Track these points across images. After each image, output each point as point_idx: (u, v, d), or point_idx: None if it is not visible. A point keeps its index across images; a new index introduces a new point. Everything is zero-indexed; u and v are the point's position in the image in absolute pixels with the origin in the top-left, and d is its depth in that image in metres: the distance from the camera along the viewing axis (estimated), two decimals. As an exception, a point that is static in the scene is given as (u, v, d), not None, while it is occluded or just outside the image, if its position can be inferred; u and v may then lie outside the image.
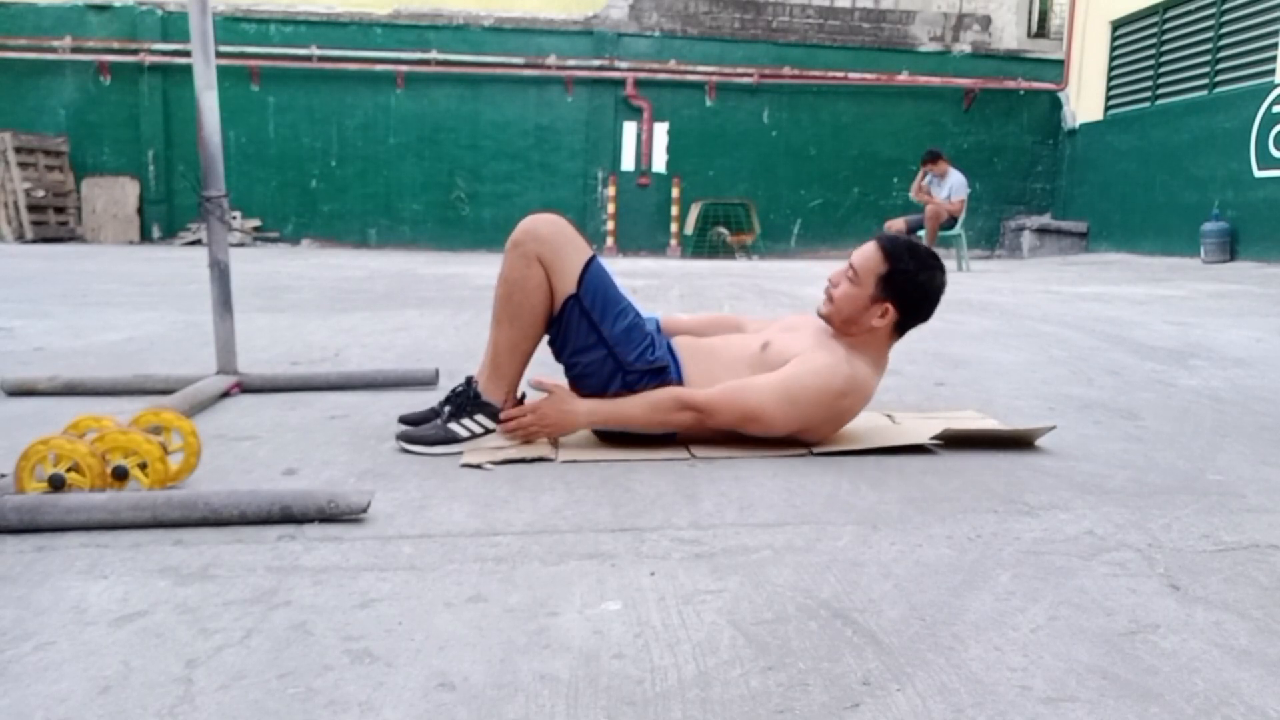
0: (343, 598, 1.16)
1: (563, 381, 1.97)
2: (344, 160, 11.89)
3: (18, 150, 10.61)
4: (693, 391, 1.87)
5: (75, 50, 11.27)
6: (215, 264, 2.42)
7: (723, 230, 11.80)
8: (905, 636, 1.07)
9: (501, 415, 1.92)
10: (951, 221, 8.93)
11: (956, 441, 2.00)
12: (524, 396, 1.99)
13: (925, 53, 12.57)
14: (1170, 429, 2.21)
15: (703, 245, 11.80)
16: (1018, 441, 2.02)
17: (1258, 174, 8.78)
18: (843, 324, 1.95)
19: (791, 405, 1.85)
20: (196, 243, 11.08)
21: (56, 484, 1.43)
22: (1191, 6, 9.99)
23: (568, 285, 1.87)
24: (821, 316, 1.99)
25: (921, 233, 8.84)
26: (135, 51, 11.32)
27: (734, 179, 12.35)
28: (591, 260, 1.90)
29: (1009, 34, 13.05)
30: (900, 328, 1.97)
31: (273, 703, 0.91)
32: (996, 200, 12.59)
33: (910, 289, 1.91)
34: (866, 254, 1.93)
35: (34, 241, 10.55)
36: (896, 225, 9.19)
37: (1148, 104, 10.74)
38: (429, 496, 1.59)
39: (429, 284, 6.22)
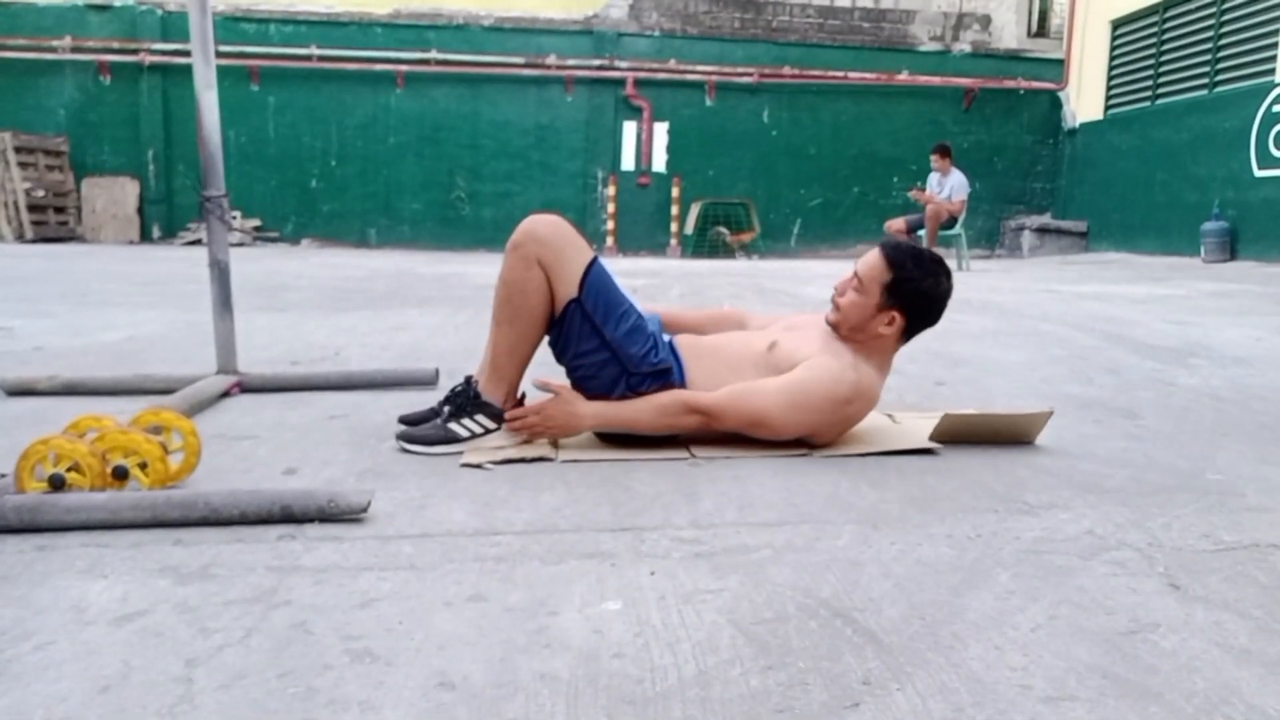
0: (343, 597, 1.16)
1: (566, 382, 1.96)
2: (344, 160, 11.89)
3: (18, 150, 10.61)
4: (699, 395, 1.87)
5: (75, 50, 11.27)
6: (215, 264, 2.42)
7: (722, 230, 11.80)
8: (905, 636, 1.07)
9: (506, 415, 1.91)
10: (952, 221, 8.92)
11: (956, 439, 2.00)
12: (524, 397, 1.99)
13: (925, 52, 12.56)
14: (1170, 428, 2.21)
15: (703, 245, 11.80)
16: (1017, 436, 2.02)
17: (1258, 173, 8.78)
18: (850, 331, 1.95)
19: (798, 411, 1.84)
20: (196, 242, 11.07)
21: (56, 484, 1.43)
22: (1191, 6, 9.99)
23: (569, 288, 1.87)
24: (830, 324, 1.99)
25: (922, 232, 8.85)
26: (135, 51, 11.32)
27: (734, 179, 12.34)
28: (593, 262, 1.89)
29: (1009, 33, 13.04)
30: (907, 333, 1.97)
31: (273, 702, 0.91)
32: (996, 200, 12.58)
33: (916, 296, 1.91)
34: (871, 262, 1.93)
35: (34, 241, 10.55)
36: (896, 225, 9.19)
37: (1148, 103, 10.74)
38: (429, 496, 1.59)
39: (429, 283, 6.22)
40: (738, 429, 1.88)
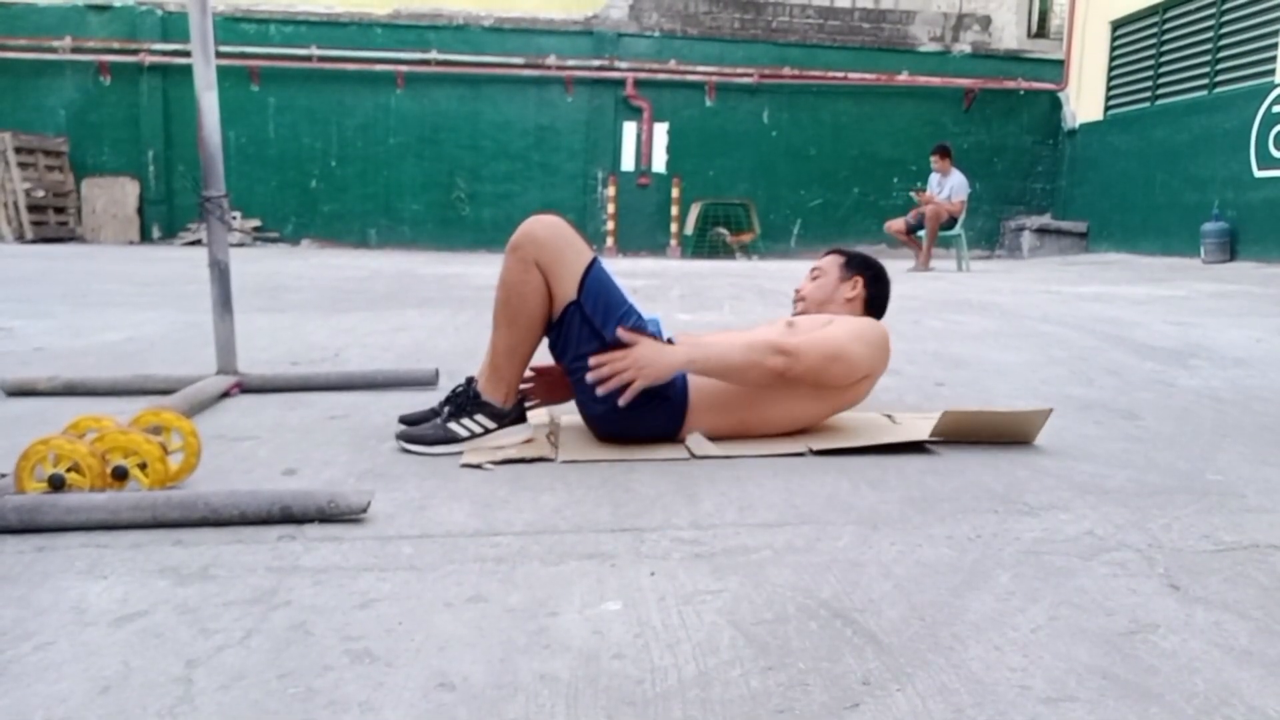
0: (343, 598, 1.16)
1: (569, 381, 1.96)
2: (344, 160, 11.89)
3: (18, 150, 10.61)
4: (785, 337, 1.94)
5: (75, 50, 11.27)
6: (215, 264, 2.42)
7: (722, 230, 11.80)
8: (905, 636, 1.07)
9: (592, 361, 1.83)
10: (951, 222, 8.93)
11: (956, 437, 2.00)
12: (523, 397, 1.99)
13: (925, 53, 12.57)
14: (1170, 429, 2.21)
15: (703, 245, 11.80)
16: (1017, 435, 2.03)
17: (1258, 174, 8.78)
18: (818, 307, 2.19)
19: (865, 345, 1.98)
20: (196, 243, 11.08)
21: (56, 484, 1.43)
22: (1191, 6, 9.99)
23: (568, 291, 1.87)
24: (796, 315, 2.19)
25: (921, 233, 8.85)
26: (135, 51, 11.32)
27: (734, 179, 12.35)
28: (593, 264, 1.89)
29: (1009, 34, 13.04)
30: (868, 303, 2.20)
31: (273, 703, 0.91)
32: (996, 200, 12.59)
33: (869, 265, 2.24)
34: (824, 259, 2.28)
35: (34, 241, 10.55)
36: (896, 225, 9.20)
37: (1148, 104, 10.74)
38: (429, 496, 1.59)
39: (429, 284, 6.22)
40: (817, 368, 1.92)
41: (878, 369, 2.04)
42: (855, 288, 2.19)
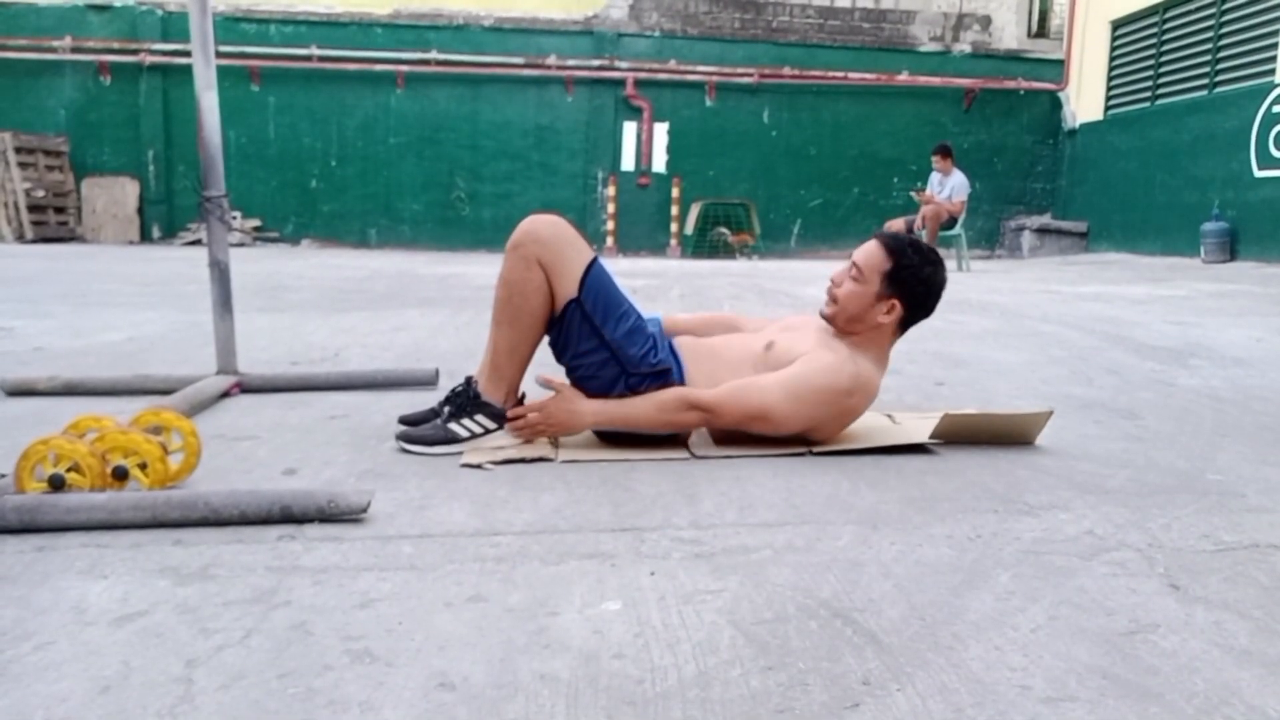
0: (343, 598, 1.16)
1: (567, 380, 1.96)
2: (344, 160, 11.89)
3: (18, 150, 10.60)
4: (699, 391, 1.87)
5: (75, 50, 11.27)
6: (215, 264, 2.42)
7: (724, 230, 11.80)
8: (905, 636, 1.07)
9: (508, 414, 1.91)
10: (952, 221, 8.93)
11: (956, 439, 2.00)
12: (524, 396, 1.99)
13: (925, 53, 12.56)
14: (1170, 429, 2.21)
15: (703, 245, 11.80)
16: (1017, 437, 2.02)
17: (1258, 174, 8.78)
18: (847, 322, 1.95)
19: (798, 404, 1.85)
20: (196, 243, 11.07)
21: (56, 484, 1.43)
22: (1191, 6, 9.99)
23: (569, 288, 1.87)
24: (825, 317, 1.99)
25: (922, 233, 8.84)
26: (135, 51, 11.32)
27: (734, 179, 12.34)
28: (593, 263, 1.89)
29: (1009, 34, 13.04)
30: (904, 324, 1.98)
31: (273, 703, 0.91)
32: (996, 200, 12.58)
33: (915, 284, 1.93)
34: (870, 251, 1.94)
35: (34, 241, 10.55)
36: (896, 225, 9.19)
37: (1148, 104, 10.74)
38: (429, 496, 1.59)
39: (429, 284, 6.22)
40: (738, 425, 1.88)
41: (847, 413, 1.91)
42: (891, 312, 1.92)
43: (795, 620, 1.12)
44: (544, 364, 2.04)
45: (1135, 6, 10.88)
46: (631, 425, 1.88)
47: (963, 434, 2.00)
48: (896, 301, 1.92)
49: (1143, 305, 5.21)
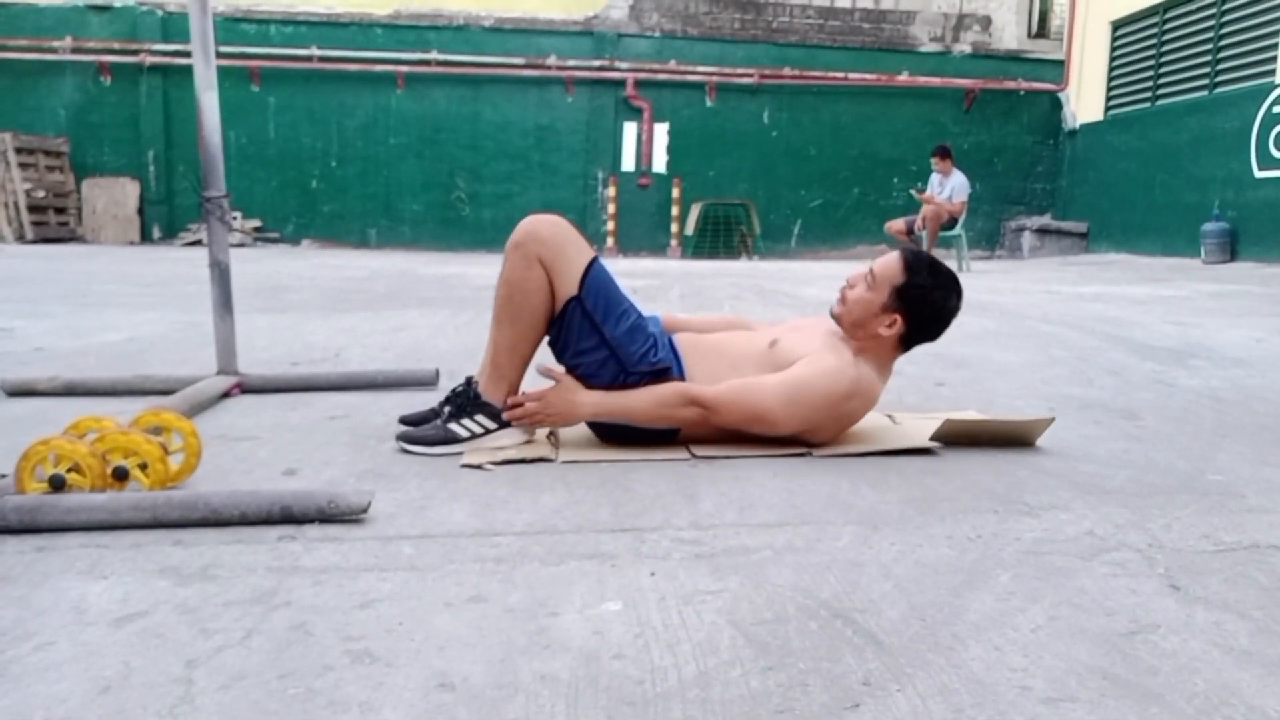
0: (343, 598, 1.16)
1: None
2: (344, 160, 11.89)
3: (18, 150, 10.61)
4: (699, 387, 1.87)
5: (75, 50, 11.27)
6: (215, 264, 2.42)
7: (743, 229, 11.82)
8: (905, 636, 1.07)
9: (507, 402, 1.90)
10: (952, 222, 8.92)
11: (957, 441, 2.00)
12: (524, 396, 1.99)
13: (925, 53, 12.57)
14: (1170, 429, 2.21)
15: (703, 245, 11.80)
16: (1018, 440, 2.02)
17: (1258, 174, 8.78)
18: (851, 326, 1.96)
19: (797, 406, 1.85)
20: (197, 243, 11.07)
21: (57, 484, 1.43)
22: (1191, 6, 9.99)
23: (569, 287, 1.87)
24: (833, 315, 2.00)
25: (923, 233, 8.84)
26: (135, 52, 11.32)
27: (734, 179, 12.34)
28: (593, 261, 1.90)
29: (1009, 34, 13.04)
30: (906, 341, 1.97)
31: (273, 703, 0.91)
32: (997, 200, 12.59)
33: (921, 305, 1.92)
34: (888, 262, 1.96)
35: (34, 242, 10.55)
36: (897, 225, 9.19)
37: (1148, 104, 10.74)
38: (429, 497, 1.59)
39: (429, 284, 6.22)
40: (736, 424, 1.88)
41: (845, 416, 1.91)
42: (892, 326, 1.92)
43: (795, 621, 1.12)
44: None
45: (1135, 7, 10.88)
46: (629, 417, 1.88)
47: (963, 438, 2.00)
48: (899, 317, 1.91)
49: (1143, 305, 5.21)
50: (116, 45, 11.35)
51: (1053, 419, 2.02)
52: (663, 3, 12.23)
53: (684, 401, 1.85)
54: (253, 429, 2.08)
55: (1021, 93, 12.55)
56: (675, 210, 12.20)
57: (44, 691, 0.93)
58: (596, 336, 1.87)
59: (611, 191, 12.18)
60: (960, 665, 1.01)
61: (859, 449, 1.93)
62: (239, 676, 0.96)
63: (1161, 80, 10.51)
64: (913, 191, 9.62)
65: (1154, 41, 10.65)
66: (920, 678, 0.98)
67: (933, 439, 1.97)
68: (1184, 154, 9.89)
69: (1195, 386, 2.77)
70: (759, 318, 2.35)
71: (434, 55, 11.69)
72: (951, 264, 9.83)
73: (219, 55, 2.44)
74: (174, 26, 11.34)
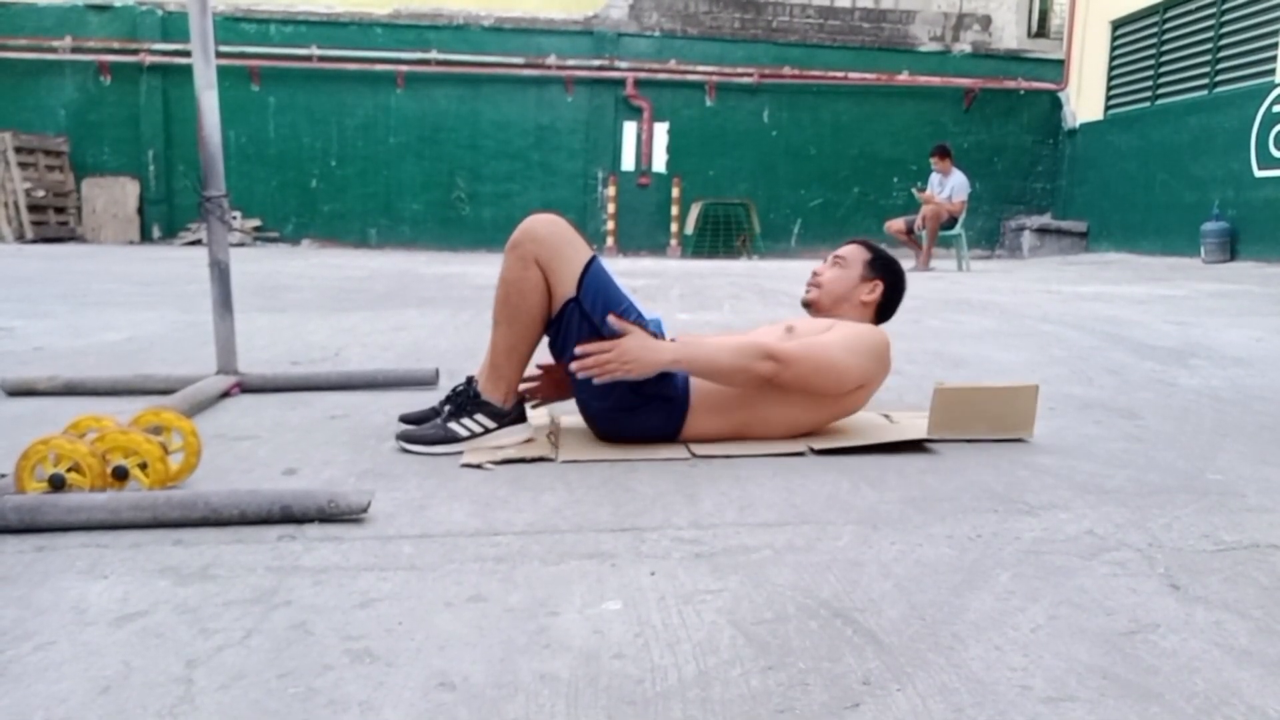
0: (343, 598, 1.16)
1: (568, 377, 1.95)
2: (344, 160, 11.89)
3: (18, 150, 10.61)
4: (775, 342, 1.92)
5: (75, 50, 11.28)
6: (215, 264, 2.42)
7: (745, 234, 11.85)
8: (905, 636, 1.07)
9: (578, 350, 1.81)
10: (951, 221, 8.93)
11: (954, 432, 2.01)
12: (523, 397, 1.99)
13: (925, 53, 12.57)
14: (1170, 429, 2.21)
15: (703, 245, 11.81)
16: (1014, 428, 2.04)
17: (1258, 174, 8.79)
18: (833, 303, 2.13)
19: (858, 356, 1.95)
20: (196, 243, 11.07)
21: (57, 484, 1.43)
22: (1191, 6, 9.99)
23: (567, 287, 1.87)
24: (806, 304, 2.16)
25: (923, 233, 8.84)
26: (135, 51, 11.32)
27: (734, 179, 12.35)
28: (592, 261, 1.89)
29: (1009, 34, 13.05)
30: (881, 310, 2.15)
31: (273, 703, 0.91)
32: (996, 200, 12.59)
33: (893, 270, 2.17)
34: (849, 248, 2.20)
35: (34, 241, 10.55)
36: (896, 225, 9.20)
37: (1148, 104, 10.74)
38: (429, 496, 1.59)
39: (429, 284, 6.22)
40: (806, 376, 1.90)
41: (874, 379, 2.00)
42: (874, 291, 2.13)
43: (795, 620, 1.12)
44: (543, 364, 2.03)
45: (1135, 6, 10.88)
46: (711, 367, 1.86)
47: (959, 421, 2.01)
48: (879, 282, 2.13)
49: (1143, 305, 5.21)
50: (116, 45, 11.35)
51: (1036, 386, 2.07)
52: (662, 2, 12.23)
53: (762, 355, 1.86)
54: (252, 428, 2.08)
55: (1021, 92, 12.55)
56: (675, 210, 12.20)
57: (44, 691, 0.93)
58: (596, 338, 1.87)
59: (611, 191, 12.18)
60: (960, 664, 1.01)
61: (859, 443, 1.93)
62: (239, 676, 0.96)
63: (1161, 80, 10.51)
64: (913, 190, 9.62)
65: (1154, 41, 10.65)
66: (920, 677, 0.98)
67: (930, 424, 2.00)
68: (1184, 153, 9.89)
69: (1195, 386, 2.77)
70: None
71: (434, 55, 11.69)
72: (951, 263, 9.87)
73: (219, 55, 2.44)
74: (174, 26, 11.35)
